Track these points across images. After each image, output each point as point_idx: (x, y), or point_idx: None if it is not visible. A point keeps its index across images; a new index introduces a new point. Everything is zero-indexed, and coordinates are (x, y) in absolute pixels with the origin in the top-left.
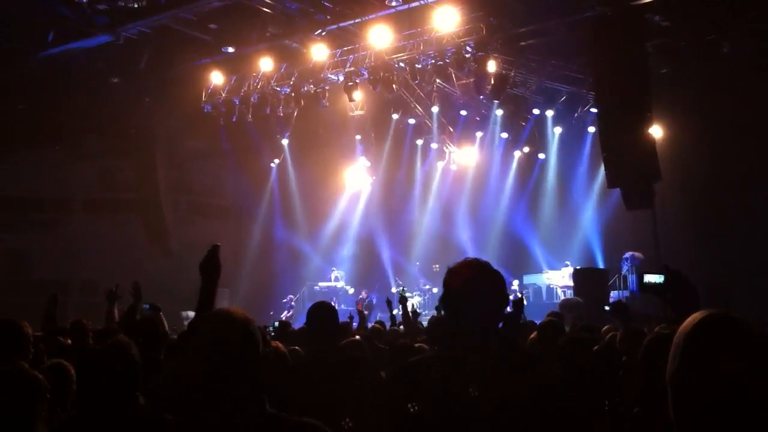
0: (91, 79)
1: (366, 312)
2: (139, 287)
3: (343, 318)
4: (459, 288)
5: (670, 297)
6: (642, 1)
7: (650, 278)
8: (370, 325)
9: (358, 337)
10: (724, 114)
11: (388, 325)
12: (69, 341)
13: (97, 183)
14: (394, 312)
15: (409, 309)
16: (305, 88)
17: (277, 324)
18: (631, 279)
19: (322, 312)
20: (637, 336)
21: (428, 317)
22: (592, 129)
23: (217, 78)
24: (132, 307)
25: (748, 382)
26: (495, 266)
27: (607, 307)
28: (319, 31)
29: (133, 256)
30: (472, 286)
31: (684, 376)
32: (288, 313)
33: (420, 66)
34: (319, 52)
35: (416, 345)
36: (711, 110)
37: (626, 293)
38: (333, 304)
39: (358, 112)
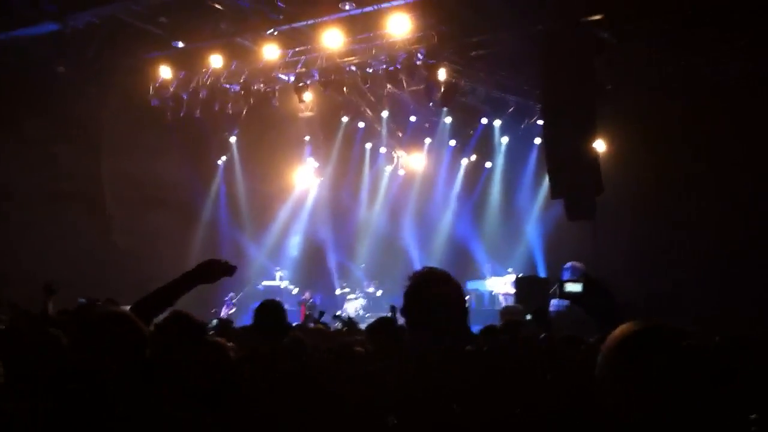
0: (35, 67)
1: (309, 312)
2: (51, 286)
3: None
4: (415, 299)
5: (586, 304)
6: (591, 18)
7: (570, 287)
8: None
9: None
10: (666, 130)
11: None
12: None
13: (39, 172)
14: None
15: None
16: (255, 87)
17: (216, 322)
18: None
19: (271, 310)
20: (567, 344)
21: (371, 319)
22: (538, 140)
23: (165, 72)
24: (43, 308)
25: (674, 391)
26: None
27: (528, 316)
28: (272, 30)
29: (74, 248)
30: (428, 298)
31: (612, 386)
32: (229, 310)
33: (371, 70)
34: (270, 51)
35: (357, 348)
36: (654, 126)
37: (566, 302)
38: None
39: (308, 114)
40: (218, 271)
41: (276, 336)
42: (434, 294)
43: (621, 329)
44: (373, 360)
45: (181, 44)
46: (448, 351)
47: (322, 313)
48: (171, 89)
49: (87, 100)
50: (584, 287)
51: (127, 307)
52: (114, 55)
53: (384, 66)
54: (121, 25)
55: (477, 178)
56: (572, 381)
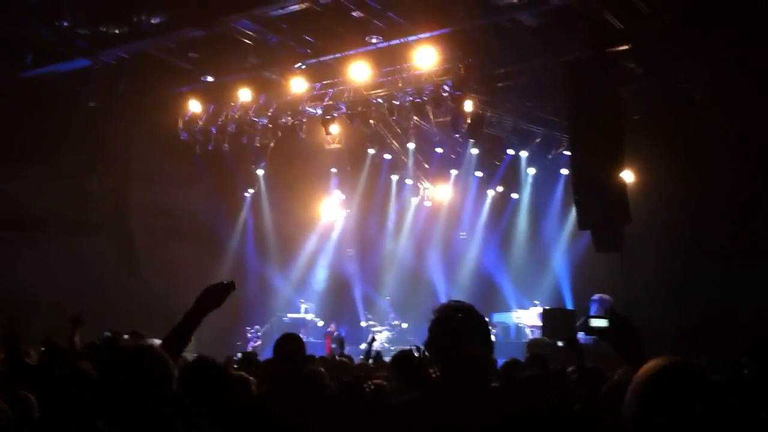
0: (68, 102)
1: (334, 345)
2: (78, 318)
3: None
4: (443, 332)
5: (614, 339)
6: (618, 49)
7: (596, 322)
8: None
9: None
10: (694, 161)
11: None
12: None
13: (70, 203)
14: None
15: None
16: (283, 120)
17: (241, 355)
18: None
19: (290, 343)
20: (593, 375)
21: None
22: (565, 171)
23: (195, 106)
24: (70, 340)
25: (701, 426)
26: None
27: (560, 343)
28: (299, 64)
29: (102, 279)
30: (456, 329)
31: (642, 420)
32: (255, 343)
33: (398, 102)
34: (298, 84)
35: (375, 381)
36: (683, 156)
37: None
38: (301, 335)
39: (335, 146)
40: (221, 293)
41: (295, 369)
42: (458, 327)
43: (649, 366)
44: (395, 393)
45: (210, 78)
46: (472, 385)
47: (342, 341)
48: (200, 123)
49: (117, 133)
50: (610, 322)
51: (155, 340)
52: (144, 90)
53: (410, 98)
54: (151, 60)
55: (503, 209)
56: (600, 415)
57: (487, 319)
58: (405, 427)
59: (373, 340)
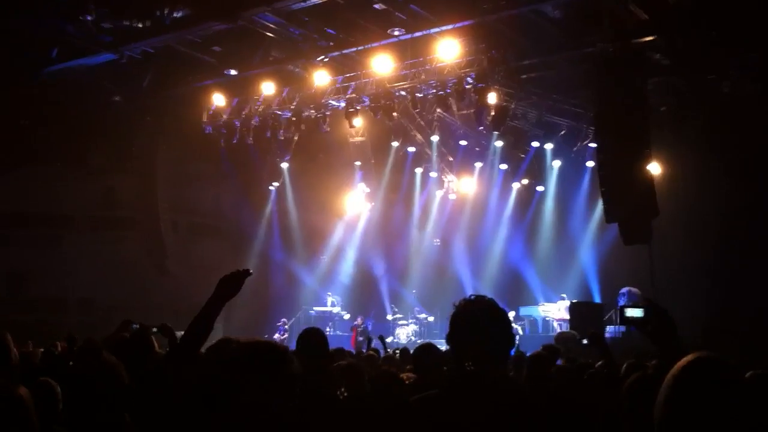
0: (94, 97)
1: (361, 339)
2: (130, 322)
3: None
4: (462, 325)
5: (650, 330)
6: (644, 40)
7: (631, 312)
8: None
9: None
10: (722, 152)
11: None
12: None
13: (98, 200)
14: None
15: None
16: (306, 113)
17: None
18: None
19: (312, 338)
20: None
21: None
22: (590, 163)
23: (219, 100)
24: (114, 335)
25: (734, 425)
26: (492, 297)
27: (585, 341)
28: (322, 57)
29: (130, 275)
30: (476, 323)
31: (672, 417)
32: (282, 336)
33: (421, 95)
34: (321, 77)
35: (403, 375)
36: (709, 148)
37: (623, 328)
38: (327, 329)
39: (359, 139)
40: (237, 281)
41: (317, 363)
42: (471, 322)
43: (682, 361)
44: (418, 388)
45: (233, 72)
46: (483, 379)
47: (370, 340)
48: (224, 117)
49: (144, 129)
50: (646, 312)
51: (180, 332)
52: (168, 84)
53: (434, 90)
54: (175, 54)
55: (529, 202)
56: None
57: (510, 314)
58: (412, 425)
59: (381, 337)
